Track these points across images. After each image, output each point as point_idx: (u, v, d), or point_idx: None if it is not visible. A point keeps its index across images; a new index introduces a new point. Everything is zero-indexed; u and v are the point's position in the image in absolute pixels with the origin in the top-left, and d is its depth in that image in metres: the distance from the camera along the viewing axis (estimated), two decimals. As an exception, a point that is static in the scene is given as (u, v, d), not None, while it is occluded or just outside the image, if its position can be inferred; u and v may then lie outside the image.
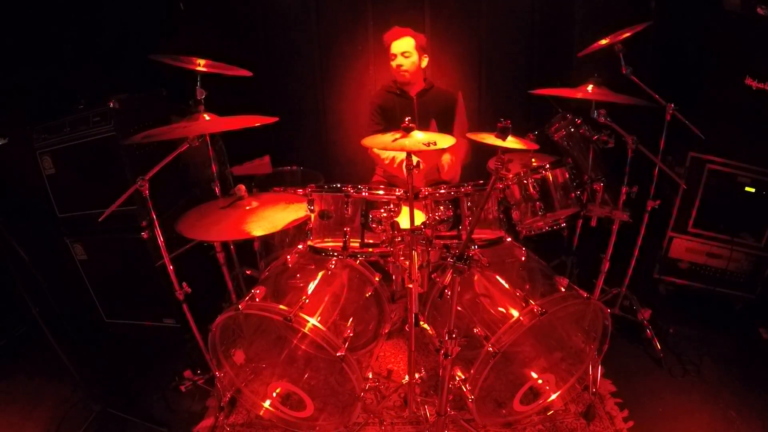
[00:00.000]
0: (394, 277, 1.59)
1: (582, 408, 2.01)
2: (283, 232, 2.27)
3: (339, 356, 1.66)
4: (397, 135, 1.62)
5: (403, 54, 2.41)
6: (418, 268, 1.47)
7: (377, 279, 2.14)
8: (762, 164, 2.44)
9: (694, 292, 2.71)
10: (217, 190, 2.14)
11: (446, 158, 2.49)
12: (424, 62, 2.48)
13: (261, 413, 1.96)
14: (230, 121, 1.73)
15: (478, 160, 3.23)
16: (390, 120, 2.55)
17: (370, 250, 1.88)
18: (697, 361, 2.28)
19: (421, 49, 2.44)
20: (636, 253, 2.31)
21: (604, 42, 2.04)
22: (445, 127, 2.50)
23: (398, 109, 2.53)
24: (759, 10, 2.26)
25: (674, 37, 2.69)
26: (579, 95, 1.99)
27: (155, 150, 2.36)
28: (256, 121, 1.71)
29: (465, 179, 1.91)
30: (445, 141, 1.63)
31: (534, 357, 2.04)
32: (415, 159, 1.57)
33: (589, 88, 1.98)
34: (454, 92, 2.63)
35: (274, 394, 1.92)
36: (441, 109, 2.53)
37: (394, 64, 2.45)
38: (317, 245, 1.94)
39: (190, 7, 2.99)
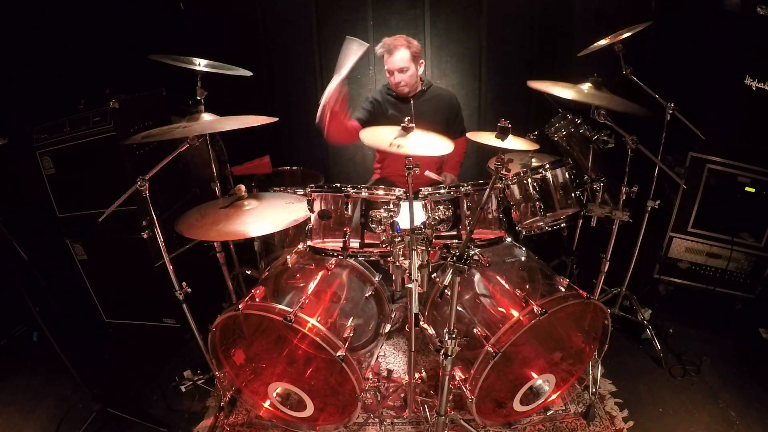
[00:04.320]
0: (394, 277, 1.59)
1: (582, 408, 2.01)
2: (283, 232, 2.27)
3: (339, 356, 1.66)
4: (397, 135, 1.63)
5: (400, 70, 2.35)
6: (418, 268, 1.47)
7: (377, 279, 2.14)
8: (762, 164, 2.44)
9: (694, 292, 2.71)
10: (217, 190, 2.13)
11: (449, 177, 2.49)
12: (421, 69, 2.44)
13: (261, 413, 1.97)
14: (230, 121, 1.73)
15: (478, 160, 3.24)
16: (382, 118, 2.49)
17: (370, 250, 1.88)
18: (697, 361, 2.28)
19: (416, 58, 2.37)
20: (636, 253, 2.31)
21: (604, 42, 2.04)
22: (444, 127, 2.49)
23: (394, 112, 2.49)
24: (759, 10, 2.26)
25: (674, 37, 2.69)
26: (575, 96, 1.96)
27: (155, 150, 2.36)
28: (256, 121, 1.71)
29: (465, 179, 1.90)
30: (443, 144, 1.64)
31: (534, 357, 2.04)
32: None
33: (585, 87, 1.96)
34: (451, 91, 2.63)
35: (274, 394, 1.92)
36: (438, 109, 2.52)
37: (392, 80, 2.39)
38: (317, 245, 1.94)
39: (190, 7, 2.99)
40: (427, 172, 2.20)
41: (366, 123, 2.47)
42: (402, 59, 2.32)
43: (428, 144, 1.66)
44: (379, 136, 1.69)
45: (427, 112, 2.49)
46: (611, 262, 2.15)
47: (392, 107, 2.53)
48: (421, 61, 2.43)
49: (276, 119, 1.75)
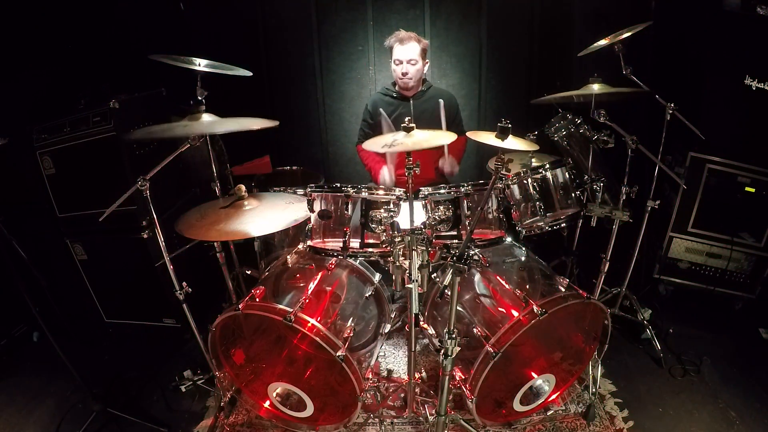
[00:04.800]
0: (394, 277, 1.59)
1: (582, 408, 2.01)
2: (283, 232, 2.27)
3: (339, 356, 1.66)
4: (397, 136, 1.63)
5: (409, 61, 2.38)
6: (418, 268, 1.47)
7: (377, 279, 2.14)
8: (762, 164, 2.44)
9: (694, 292, 2.71)
10: (217, 190, 2.13)
11: (446, 160, 2.47)
12: (426, 67, 2.48)
13: (261, 413, 1.97)
14: (230, 123, 1.73)
15: (478, 160, 3.24)
16: (383, 126, 2.49)
17: (370, 250, 1.88)
18: (697, 361, 2.28)
19: (424, 55, 2.43)
20: (636, 253, 2.31)
21: (604, 42, 2.04)
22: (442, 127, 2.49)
23: (394, 113, 2.52)
24: (759, 10, 2.26)
25: (674, 37, 2.69)
26: (581, 98, 1.97)
27: (155, 150, 2.37)
28: (257, 124, 1.70)
29: (465, 179, 1.91)
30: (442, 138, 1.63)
31: (534, 357, 2.04)
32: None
33: (596, 87, 1.98)
34: (450, 92, 2.65)
35: (274, 395, 1.92)
36: (438, 109, 2.52)
37: (399, 70, 2.41)
38: (317, 245, 1.94)
39: (190, 7, 2.99)
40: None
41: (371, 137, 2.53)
42: (412, 50, 2.37)
43: (427, 137, 1.65)
44: (377, 142, 1.69)
45: (426, 111, 2.50)
46: (611, 262, 2.15)
47: (392, 109, 2.54)
48: (426, 60, 2.47)
49: (276, 123, 1.75)
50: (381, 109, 2.48)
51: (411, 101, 2.52)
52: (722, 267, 2.61)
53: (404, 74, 2.40)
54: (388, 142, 1.60)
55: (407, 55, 2.37)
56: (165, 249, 1.75)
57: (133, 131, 1.72)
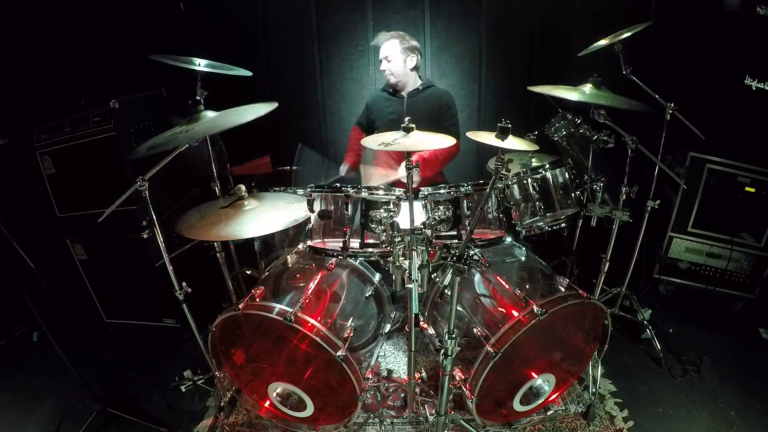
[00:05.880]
0: (394, 277, 1.59)
1: (582, 408, 2.01)
2: (283, 232, 2.27)
3: (339, 356, 1.66)
4: (398, 135, 1.63)
5: (386, 58, 2.48)
6: (418, 268, 1.47)
7: (377, 279, 2.14)
8: (762, 164, 2.44)
9: (694, 292, 2.71)
10: (217, 190, 2.13)
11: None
12: (411, 63, 2.50)
13: (261, 413, 1.97)
14: (230, 116, 1.70)
15: (478, 160, 3.24)
16: (378, 119, 2.63)
17: (370, 250, 1.88)
18: (697, 361, 2.28)
19: (406, 51, 2.46)
20: (636, 253, 2.31)
21: (604, 42, 2.04)
22: (434, 119, 2.50)
23: (388, 108, 2.59)
24: (759, 10, 2.26)
25: (674, 37, 2.70)
26: (577, 97, 1.96)
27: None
28: (256, 111, 1.68)
29: (465, 179, 1.91)
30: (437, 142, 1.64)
31: (534, 357, 2.04)
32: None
33: (585, 88, 1.97)
34: (448, 91, 2.66)
35: (274, 394, 1.92)
36: (431, 108, 2.53)
37: (382, 68, 2.53)
38: (317, 245, 1.94)
39: (190, 7, 2.99)
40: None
41: (364, 126, 2.72)
42: (389, 47, 2.46)
43: (421, 140, 1.65)
44: (375, 140, 1.70)
45: (419, 109, 2.53)
46: (611, 262, 2.15)
47: (387, 104, 2.61)
48: (411, 56, 2.49)
49: (276, 104, 1.73)
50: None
51: (405, 99, 2.55)
52: (722, 267, 2.62)
53: (384, 71, 2.52)
54: (384, 141, 1.60)
55: (384, 53, 2.48)
56: (165, 249, 1.75)
57: (136, 148, 1.68)
